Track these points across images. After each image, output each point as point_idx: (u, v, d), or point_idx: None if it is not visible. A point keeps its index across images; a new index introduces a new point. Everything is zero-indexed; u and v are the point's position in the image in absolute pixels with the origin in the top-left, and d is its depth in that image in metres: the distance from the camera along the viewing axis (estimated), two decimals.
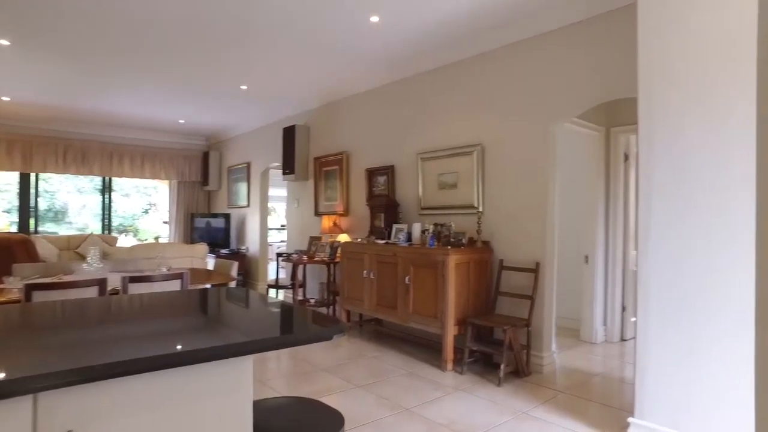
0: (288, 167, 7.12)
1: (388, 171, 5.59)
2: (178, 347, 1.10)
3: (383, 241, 4.98)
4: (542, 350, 4.11)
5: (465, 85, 4.78)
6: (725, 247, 2.38)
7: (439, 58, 4.96)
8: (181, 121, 8.63)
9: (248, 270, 8.61)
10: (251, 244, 8.73)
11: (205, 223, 9.44)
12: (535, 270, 4.06)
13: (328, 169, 6.65)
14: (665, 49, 2.64)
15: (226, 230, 9.15)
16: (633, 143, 5.19)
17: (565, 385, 3.77)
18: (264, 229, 8.57)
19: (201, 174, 10.14)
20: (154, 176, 9.80)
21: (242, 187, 8.98)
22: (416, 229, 4.82)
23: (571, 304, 5.45)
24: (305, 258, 6.08)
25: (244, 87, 6.29)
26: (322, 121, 6.87)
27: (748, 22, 2.34)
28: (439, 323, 4.15)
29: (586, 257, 5.09)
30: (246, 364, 1.16)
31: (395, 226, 5.09)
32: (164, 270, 3.93)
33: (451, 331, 4.09)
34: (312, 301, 6.11)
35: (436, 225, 4.65)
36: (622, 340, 5.13)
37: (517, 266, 4.22)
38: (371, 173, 5.86)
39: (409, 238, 4.87)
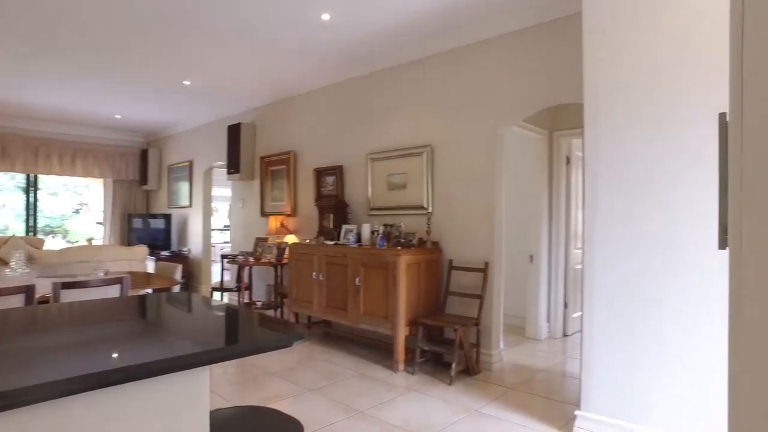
0: (233, 166, 6.91)
1: (337, 171, 5.53)
2: (124, 361, 1.00)
3: (332, 242, 4.92)
4: (491, 348, 4.19)
5: (416, 86, 4.80)
6: (665, 245, 2.50)
7: (390, 58, 4.96)
8: (117, 117, 8.18)
9: (191, 272, 8.27)
10: (194, 245, 8.40)
11: (144, 224, 9.00)
12: (483, 270, 4.14)
13: (275, 168, 6.49)
14: (609, 57, 2.75)
15: (167, 231, 8.76)
16: (575, 147, 5.40)
17: (514, 382, 3.86)
18: (207, 231, 8.27)
19: (139, 172, 9.65)
20: (86, 174, 9.23)
21: (184, 187, 8.62)
22: (366, 229, 4.79)
23: (517, 302, 5.60)
24: (251, 260, 5.91)
25: (187, 82, 6.03)
26: (269, 119, 6.71)
27: (689, 33, 2.47)
28: (390, 324, 4.14)
29: (531, 257, 5.24)
30: (202, 376, 1.08)
31: (344, 227, 5.04)
32: (101, 274, 3.69)
33: (402, 331, 4.09)
34: (259, 303, 5.95)
35: (386, 226, 4.64)
36: (565, 335, 5.32)
37: (467, 266, 4.28)
38: (319, 173, 5.78)
39: (358, 239, 4.84)
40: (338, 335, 5.23)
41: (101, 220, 9.90)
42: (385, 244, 4.42)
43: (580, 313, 5.59)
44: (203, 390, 1.10)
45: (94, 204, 10.82)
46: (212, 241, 8.75)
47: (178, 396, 1.07)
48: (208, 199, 8.25)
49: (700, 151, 2.41)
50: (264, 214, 6.66)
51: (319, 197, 5.77)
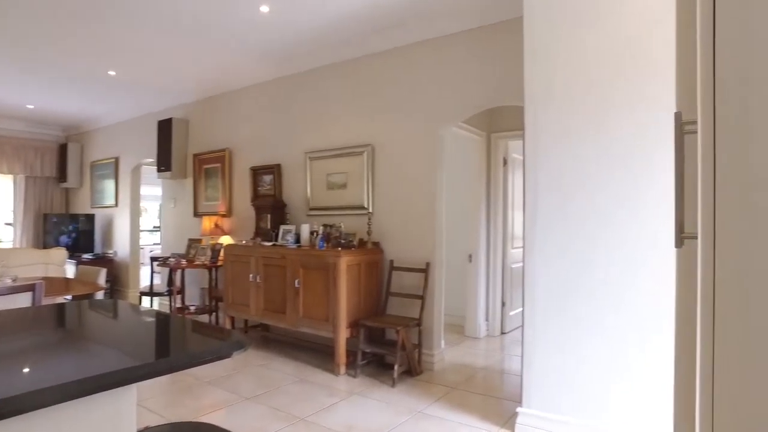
0: (163, 164, 6.54)
1: (275, 170, 5.36)
2: (29, 384, 0.87)
3: (270, 243, 4.75)
4: (433, 348, 4.20)
5: (357, 84, 4.74)
6: (604, 244, 2.59)
7: (331, 55, 4.86)
8: (30, 107, 7.51)
9: (117, 276, 7.76)
10: (120, 247, 7.89)
11: (63, 225, 8.33)
12: (425, 270, 4.14)
13: (210, 166, 6.21)
14: (549, 62, 2.81)
15: (90, 233, 8.17)
16: (512, 148, 5.54)
17: (456, 381, 3.88)
18: (135, 232, 7.78)
19: (57, 169, 8.94)
20: None
21: (109, 185, 8.07)
22: (305, 230, 4.67)
23: (456, 301, 5.67)
24: (184, 262, 5.61)
25: (112, 72, 5.63)
26: (203, 115, 6.41)
27: (626, 40, 2.57)
28: (331, 326, 4.05)
29: (470, 256, 5.32)
30: (127, 396, 0.96)
31: (283, 228, 4.89)
32: (8, 281, 3.34)
33: (343, 334, 4.01)
34: (192, 308, 5.66)
35: (325, 226, 4.54)
36: (503, 333, 5.44)
37: (408, 267, 4.27)
38: (256, 172, 5.58)
39: (297, 240, 4.71)
40: (277, 339, 5.07)
41: (11, 221, 9.07)
42: (325, 245, 4.33)
43: (517, 311, 5.76)
44: (128, 411, 0.97)
45: (1, 203, 9.90)
46: (141, 242, 8.26)
47: (98, 420, 0.94)
48: (136, 198, 7.77)
49: (630, 154, 2.52)
50: (197, 214, 6.35)
51: (256, 197, 5.57)
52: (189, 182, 6.53)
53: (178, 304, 6.00)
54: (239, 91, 5.91)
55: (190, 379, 3.87)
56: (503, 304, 5.46)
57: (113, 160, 7.96)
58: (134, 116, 7.53)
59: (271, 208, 5.10)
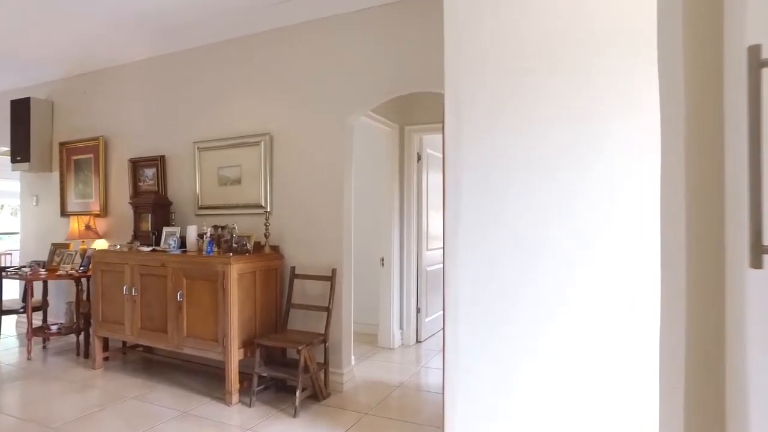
0: (20, 154, 5.45)
1: (158, 162, 4.58)
2: None
3: (149, 248, 4.00)
4: (342, 366, 3.70)
5: (253, 65, 4.12)
6: (537, 248, 2.22)
7: (222, 30, 4.18)
8: None
9: None
10: None
11: None
12: (331, 278, 3.63)
13: (80, 157, 5.26)
14: (474, 45, 2.40)
15: None
16: (426, 143, 5.18)
17: (369, 404, 3.41)
18: None
19: None
20: None
21: None
22: (191, 232, 3.98)
23: (368, 309, 5.22)
24: (43, 272, 4.65)
25: None
26: (71, 96, 5.42)
27: (563, 22, 2.21)
28: (221, 348, 3.42)
29: (382, 260, 4.89)
30: None
31: (166, 230, 4.16)
32: None
33: (235, 356, 3.40)
34: (54, 328, 4.70)
35: (216, 228, 3.88)
36: (418, 341, 5.07)
37: (312, 274, 3.74)
38: (137, 165, 4.76)
39: (183, 244, 4.00)
40: (163, 362, 4.31)
41: None
42: (215, 249, 3.67)
43: (433, 316, 5.43)
44: None
45: None
46: None
47: None
48: None
49: (573, 145, 2.17)
50: (65, 214, 5.36)
51: (137, 193, 4.75)
52: (55, 176, 5.51)
53: (39, 323, 5.00)
54: (116, 69, 5.03)
55: (34, 426, 3.06)
56: (418, 310, 5.09)
57: None
58: None
59: (153, 207, 4.33)
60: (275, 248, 3.88)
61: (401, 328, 5.01)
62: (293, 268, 3.81)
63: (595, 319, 2.12)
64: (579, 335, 2.17)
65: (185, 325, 3.61)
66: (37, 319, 5.03)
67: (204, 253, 3.64)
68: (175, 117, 4.56)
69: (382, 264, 4.88)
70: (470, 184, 2.37)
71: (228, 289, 3.36)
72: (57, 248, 5.09)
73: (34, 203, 5.77)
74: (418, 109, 4.93)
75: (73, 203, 5.33)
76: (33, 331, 4.57)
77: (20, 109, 5.45)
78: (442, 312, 5.59)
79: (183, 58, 4.52)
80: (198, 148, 4.34)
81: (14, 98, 5.50)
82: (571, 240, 2.19)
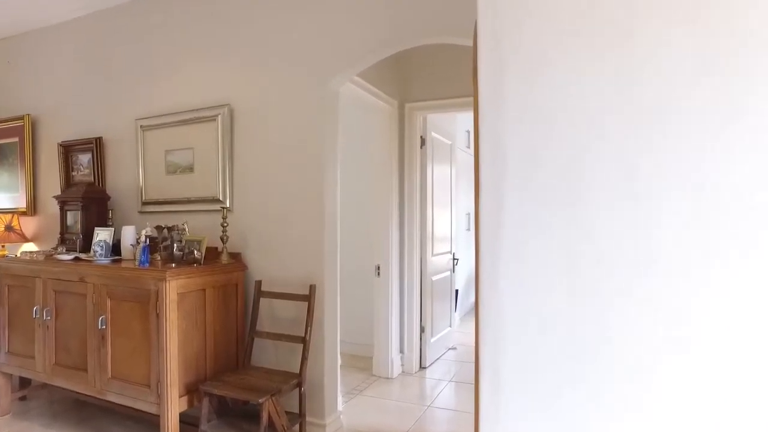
0: None
1: (94, 146, 3.61)
2: None
3: (71, 257, 3.02)
4: (324, 415, 2.75)
5: (205, 18, 3.16)
6: (640, 261, 1.27)
7: None
8: None
9: None
10: None
11: None
12: (309, 296, 2.67)
13: (4, 142, 4.27)
14: None
15: None
16: (431, 125, 4.23)
17: None
18: None
19: None
20: None
21: None
22: (128, 234, 3.02)
23: (360, 327, 4.28)
24: None
25: None
26: None
27: None
28: (155, 395, 2.45)
29: (378, 268, 3.94)
30: None
31: (97, 232, 3.18)
32: None
33: (174, 407, 2.43)
34: None
35: (159, 228, 2.93)
36: (422, 367, 4.12)
37: (283, 291, 2.79)
38: (68, 150, 3.78)
39: (115, 250, 3.04)
40: (90, 402, 3.32)
41: None
42: (152, 258, 2.71)
43: (440, 335, 4.49)
44: None
45: None
46: None
47: None
48: None
49: (705, 95, 1.22)
50: None
51: (69, 185, 3.78)
52: None
53: None
54: (42, 31, 4.04)
55: None
56: (422, 329, 4.14)
57: None
58: None
59: (84, 202, 3.35)
60: (236, 256, 2.92)
61: (401, 351, 4.06)
62: (259, 283, 2.85)
63: (734, 373, 1.17)
64: (709, 401, 1.21)
65: (110, 363, 2.64)
66: None
67: (137, 263, 2.68)
68: (114, 89, 3.59)
69: (378, 273, 3.93)
70: (521, 154, 1.41)
71: (163, 314, 2.40)
72: None
73: None
74: (421, 82, 3.98)
75: None
76: None
77: None
78: (449, 328, 4.35)
79: (120, 14, 3.55)
80: (141, 126, 3.37)
81: None
82: (698, 248, 1.24)
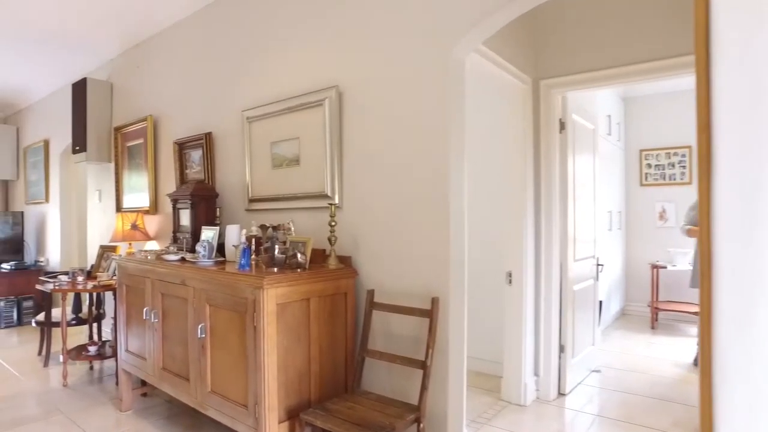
0: (79, 142, 4.73)
1: (204, 142, 3.48)
2: None
3: (177, 257, 2.86)
4: None
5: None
6: None
7: None
8: None
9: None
10: (53, 255, 6.15)
11: None
12: (430, 311, 2.19)
13: (132, 144, 4.38)
14: None
15: (18, 236, 6.47)
16: (572, 106, 3.53)
17: None
18: (67, 235, 6.02)
19: None
20: None
21: (42, 175, 6.33)
22: (232, 234, 2.78)
23: (487, 342, 3.72)
24: (81, 280, 3.79)
25: None
26: (126, 73, 4.58)
27: None
28: (252, 418, 2.14)
29: (510, 274, 3.33)
30: None
31: (204, 231, 3.00)
32: None
33: None
34: (93, 349, 3.81)
35: (263, 228, 2.64)
36: (561, 394, 3.44)
37: (400, 304, 2.33)
38: (182, 147, 3.71)
39: (219, 252, 2.82)
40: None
41: None
42: (252, 262, 2.41)
43: (581, 356, 3.77)
44: None
45: None
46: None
47: None
48: (66, 190, 6.01)
49: None
50: (121, 209, 4.53)
51: (183, 183, 3.71)
52: (113, 167, 4.72)
53: (88, 340, 4.19)
54: (163, 33, 4.04)
55: None
56: (562, 348, 3.46)
57: (42, 143, 6.22)
58: (62, 84, 5.75)
59: (192, 200, 3.21)
60: (345, 260, 2.53)
61: (536, 374, 3.42)
62: (371, 292, 2.43)
63: None
64: None
65: (209, 376, 2.39)
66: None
67: (237, 266, 2.40)
68: (222, 82, 3.43)
69: (509, 281, 3.33)
70: None
71: (260, 328, 2.07)
72: (105, 252, 4.25)
73: (98, 200, 5.05)
74: (560, 51, 3.30)
75: (128, 198, 4.47)
76: (68, 352, 3.73)
77: (78, 93, 4.73)
78: (591, 346, 3.58)
79: (226, 6, 3.36)
80: (247, 118, 3.14)
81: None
82: None
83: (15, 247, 6.46)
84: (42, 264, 6.27)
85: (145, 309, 2.85)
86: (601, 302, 4.38)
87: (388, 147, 2.45)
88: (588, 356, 3.87)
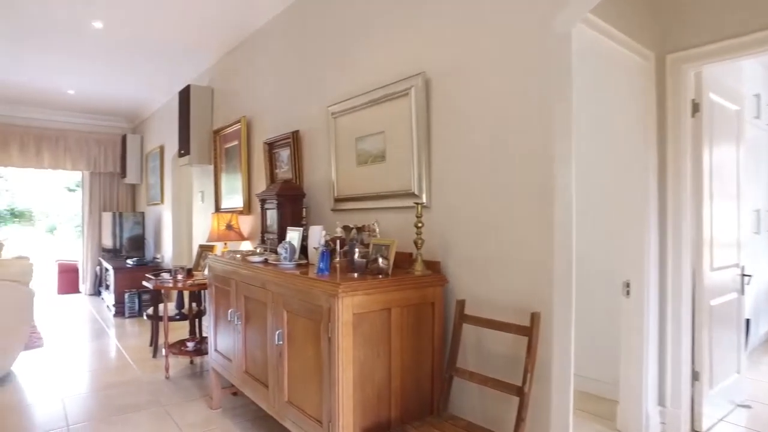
0: (183, 146, 4.96)
1: (291, 141, 3.40)
2: None
3: (261, 258, 2.78)
4: None
5: None
6: None
7: None
8: (71, 92, 6.47)
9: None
10: (167, 252, 6.59)
11: (116, 226, 7.27)
12: (529, 328, 1.85)
13: (229, 146, 4.48)
14: None
15: (140, 235, 7.03)
16: (709, 83, 2.94)
17: None
18: (179, 234, 6.41)
19: (119, 163, 8.00)
20: (55, 166, 7.65)
21: (158, 178, 6.83)
22: (314, 235, 2.63)
23: (595, 359, 3.24)
24: (180, 278, 3.92)
25: (98, 24, 4.11)
26: (224, 77, 4.70)
27: None
28: None
29: (627, 284, 2.85)
30: None
31: (289, 232, 2.90)
32: None
33: None
34: (191, 345, 3.93)
35: (346, 229, 2.47)
36: (694, 431, 2.88)
37: (494, 317, 2.01)
38: (272, 147, 3.68)
39: (302, 253, 2.69)
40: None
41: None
42: (332, 264, 2.24)
43: (721, 385, 3.14)
44: None
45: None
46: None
47: None
48: (178, 192, 6.39)
49: None
50: (220, 210, 4.66)
51: (273, 183, 3.68)
52: (213, 169, 4.88)
53: (189, 335, 4.35)
54: (257, 33, 4.06)
55: None
56: (695, 375, 2.88)
57: (158, 149, 6.69)
58: (175, 93, 6.12)
59: (279, 200, 3.13)
60: (433, 266, 2.27)
61: (662, 404, 2.88)
62: (461, 303, 2.14)
63: None
64: None
65: (286, 386, 2.26)
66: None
67: (316, 271, 2.24)
68: (307, 77, 3.32)
69: (627, 292, 2.84)
70: None
71: (335, 339, 1.87)
72: (203, 251, 4.38)
73: (201, 201, 5.27)
74: (693, 17, 2.75)
75: (226, 198, 4.58)
76: (170, 346, 3.87)
77: (183, 99, 4.96)
78: (736, 374, 2.92)
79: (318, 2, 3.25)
80: (332, 114, 2.99)
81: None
82: None
83: (138, 244, 7.02)
84: (158, 260, 6.75)
85: (229, 311, 2.81)
86: (748, 321, 3.66)
87: (482, 138, 2.14)
88: (732, 386, 3.21)
